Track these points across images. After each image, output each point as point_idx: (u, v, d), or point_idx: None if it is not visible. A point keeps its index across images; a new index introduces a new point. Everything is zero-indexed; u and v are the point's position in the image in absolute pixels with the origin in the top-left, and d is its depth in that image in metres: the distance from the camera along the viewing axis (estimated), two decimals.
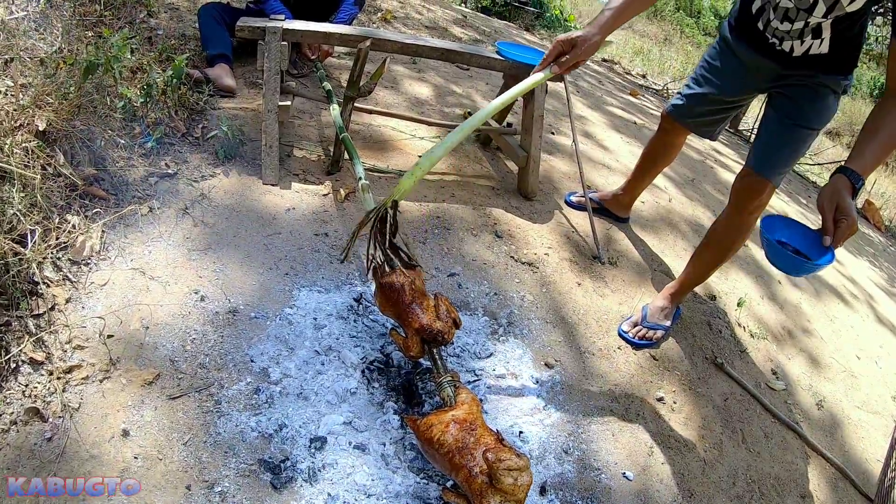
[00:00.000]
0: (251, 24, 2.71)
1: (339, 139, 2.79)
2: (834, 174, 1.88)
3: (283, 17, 2.86)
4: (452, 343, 2.32)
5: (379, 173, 3.09)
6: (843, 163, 1.93)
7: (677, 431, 2.45)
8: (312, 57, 3.78)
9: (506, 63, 3.11)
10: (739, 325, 3.17)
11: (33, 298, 1.95)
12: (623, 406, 2.43)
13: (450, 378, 1.77)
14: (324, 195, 2.86)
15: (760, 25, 2.35)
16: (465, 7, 9.68)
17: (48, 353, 1.85)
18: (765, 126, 2.50)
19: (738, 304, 3.28)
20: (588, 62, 8.45)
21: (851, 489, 2.69)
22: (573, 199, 3.46)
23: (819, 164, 9.26)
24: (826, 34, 2.20)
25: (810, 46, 2.26)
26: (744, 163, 2.52)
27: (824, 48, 2.25)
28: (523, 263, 2.89)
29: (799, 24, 2.19)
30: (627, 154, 4.56)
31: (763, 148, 2.44)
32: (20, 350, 1.80)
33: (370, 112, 3.14)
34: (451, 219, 2.98)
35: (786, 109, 2.41)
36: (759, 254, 3.96)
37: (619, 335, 2.74)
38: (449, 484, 1.72)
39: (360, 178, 2.40)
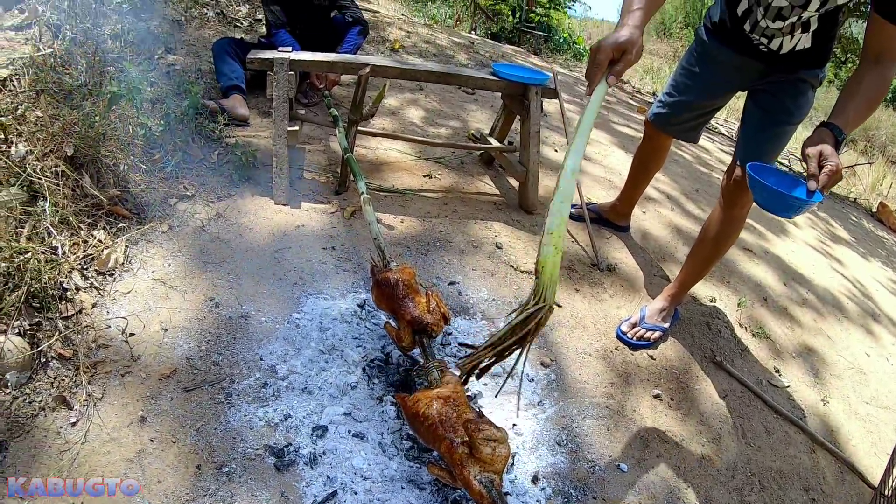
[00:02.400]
0: (261, 56, 2.91)
1: (344, 160, 2.97)
2: (817, 128, 1.95)
3: (290, 49, 3.06)
4: (448, 344, 2.46)
5: (384, 192, 3.26)
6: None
7: (674, 427, 2.52)
8: (321, 86, 3.99)
9: (501, 82, 3.27)
10: (740, 325, 3.23)
11: (63, 303, 2.15)
12: (619, 403, 2.52)
13: (437, 364, 1.92)
14: (332, 213, 3.04)
15: (747, 27, 2.43)
16: (475, 34, 9.92)
17: (75, 350, 2.04)
18: (748, 123, 2.59)
19: (739, 305, 3.34)
20: None
21: (859, 482, 2.70)
22: (573, 210, 3.57)
23: None
24: (813, 27, 2.31)
25: (798, 42, 2.36)
26: (734, 160, 2.60)
27: (808, 42, 2.35)
28: (522, 272, 3.01)
29: (792, 20, 2.27)
30: (628, 166, 4.67)
31: (749, 144, 2.53)
32: (49, 346, 1.99)
33: (374, 135, 3.31)
34: (453, 232, 3.14)
35: (769, 106, 2.51)
36: (759, 261, 4.02)
37: (617, 336, 2.82)
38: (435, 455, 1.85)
39: (363, 193, 2.57)
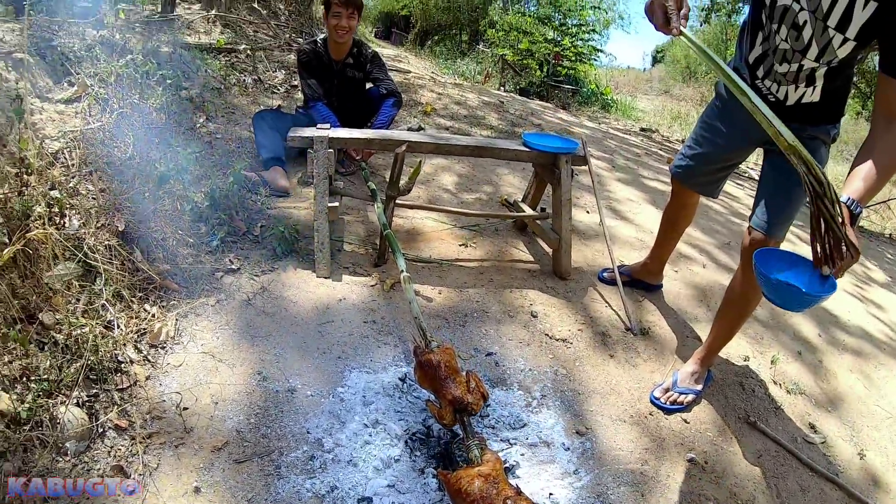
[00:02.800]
0: (301, 135, 3.08)
1: (383, 235, 3.10)
2: None
3: (328, 125, 3.22)
4: (487, 416, 2.54)
5: (422, 262, 3.39)
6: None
7: (708, 490, 2.53)
8: (357, 158, 4.16)
9: (532, 153, 3.40)
10: (774, 382, 3.23)
11: (118, 375, 2.30)
12: (654, 468, 2.55)
13: (477, 441, 2.01)
14: (371, 286, 3.16)
15: (760, 73, 2.48)
16: (504, 91, 10.12)
17: (131, 421, 2.17)
18: (763, 186, 2.63)
19: (772, 362, 3.34)
20: (625, 135, 8.66)
21: None
22: (605, 274, 3.66)
23: (867, 207, 9.05)
24: (819, 83, 2.35)
25: (803, 94, 2.40)
26: (749, 222, 2.63)
27: (816, 97, 2.39)
28: (558, 340, 3.08)
29: (794, 67, 2.32)
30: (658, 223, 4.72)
31: (764, 207, 2.56)
32: (107, 417, 2.12)
33: (411, 207, 3.45)
34: (489, 302, 3.23)
35: (781, 168, 2.51)
36: (793, 315, 3.99)
37: (651, 402, 2.86)
38: None
39: (403, 271, 2.68)
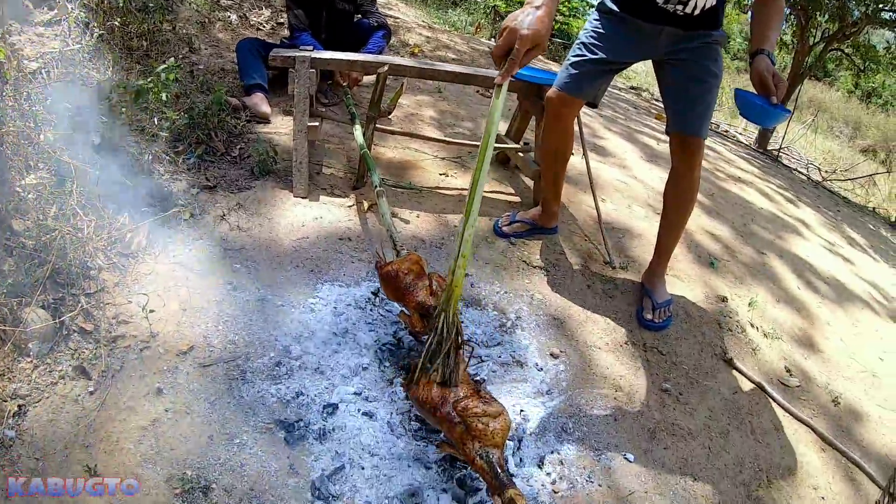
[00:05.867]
0: (283, 54, 3.00)
1: (361, 156, 3.05)
2: (756, 55, 2.38)
3: (312, 48, 3.15)
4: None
5: (401, 188, 3.34)
6: (757, 48, 2.41)
7: (682, 420, 2.54)
8: (344, 84, 4.07)
9: (517, 83, 3.32)
10: (752, 325, 3.23)
11: (86, 280, 2.24)
12: (627, 395, 2.56)
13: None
14: (349, 206, 3.12)
15: (660, 0, 2.52)
16: (495, 41, 9.96)
17: (96, 325, 2.13)
18: (677, 92, 2.70)
19: (750, 305, 3.34)
20: (616, 91, 8.59)
21: (868, 482, 2.67)
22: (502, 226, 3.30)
23: (852, 179, 9.35)
24: None
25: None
26: (673, 129, 2.71)
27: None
28: (535, 267, 3.06)
29: None
30: (644, 170, 4.75)
31: (687, 111, 2.65)
32: (72, 319, 2.08)
33: (392, 132, 3.39)
34: None
35: (694, 73, 2.64)
36: (775, 262, 4.03)
37: (646, 326, 2.91)
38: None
39: (376, 186, 2.64)
